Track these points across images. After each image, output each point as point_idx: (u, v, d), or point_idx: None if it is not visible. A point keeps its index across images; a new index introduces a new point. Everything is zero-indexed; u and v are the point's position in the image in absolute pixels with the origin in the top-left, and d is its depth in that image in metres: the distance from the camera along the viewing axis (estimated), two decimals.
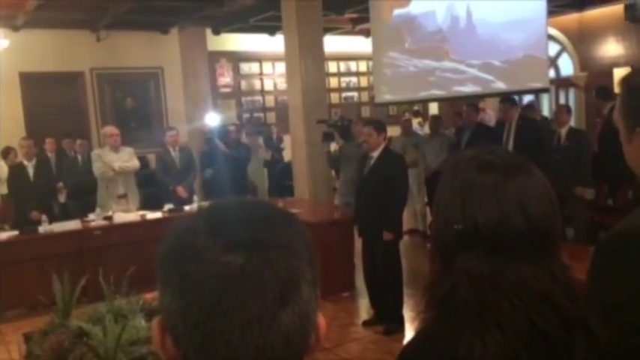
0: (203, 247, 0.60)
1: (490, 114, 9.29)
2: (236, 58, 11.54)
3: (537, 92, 7.92)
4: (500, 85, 6.33)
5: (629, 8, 9.06)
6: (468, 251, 0.91)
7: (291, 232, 0.64)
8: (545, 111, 10.53)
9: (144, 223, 5.90)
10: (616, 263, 1.11)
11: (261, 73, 11.83)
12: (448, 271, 0.94)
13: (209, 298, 0.58)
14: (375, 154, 4.63)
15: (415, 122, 11.57)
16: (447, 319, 0.92)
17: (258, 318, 0.59)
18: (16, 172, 6.32)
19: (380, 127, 4.66)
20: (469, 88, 6.61)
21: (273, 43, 10.67)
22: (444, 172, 1.02)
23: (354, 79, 12.71)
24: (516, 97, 7.08)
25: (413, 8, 7.24)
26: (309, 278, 0.63)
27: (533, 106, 8.20)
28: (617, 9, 9.41)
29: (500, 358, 0.86)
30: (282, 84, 10.64)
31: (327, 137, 6.93)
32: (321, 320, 0.67)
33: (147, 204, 6.60)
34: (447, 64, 6.76)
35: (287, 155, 9.77)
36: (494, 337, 0.86)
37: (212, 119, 9.63)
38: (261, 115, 11.83)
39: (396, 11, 7.45)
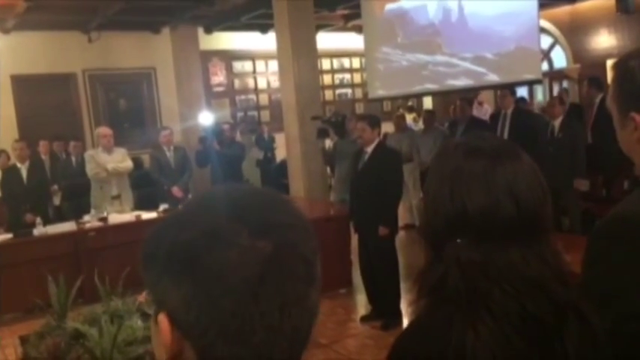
0: (231, 233, 0.59)
1: (487, 108, 9.31)
2: (229, 57, 11.51)
3: (530, 84, 7.94)
4: (493, 78, 6.34)
5: (621, 0, 9.06)
6: (458, 238, 0.90)
7: (299, 213, 0.66)
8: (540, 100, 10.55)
9: (139, 223, 5.87)
10: (611, 248, 1.11)
11: (254, 72, 11.81)
12: (438, 260, 0.93)
13: (248, 284, 0.58)
14: (370, 149, 4.63)
15: (410, 118, 11.58)
16: (438, 308, 0.91)
17: (294, 299, 0.60)
18: (10, 174, 6.29)
19: (374, 122, 4.65)
20: (462, 82, 6.62)
21: (266, 41, 10.64)
22: (433, 160, 1.02)
23: (347, 76, 12.70)
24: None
25: (405, 2, 7.24)
26: (319, 258, 0.65)
27: (524, 100, 8.22)
28: (609, 1, 9.41)
29: (492, 345, 0.85)
30: (275, 82, 10.62)
31: (322, 134, 6.92)
32: None
33: (142, 204, 6.58)
34: (439, 57, 6.76)
35: (280, 154, 9.75)
36: (486, 324, 0.86)
37: (206, 118, 9.61)
38: (255, 113, 11.81)
39: (388, 6, 7.45)
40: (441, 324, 0.89)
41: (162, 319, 0.61)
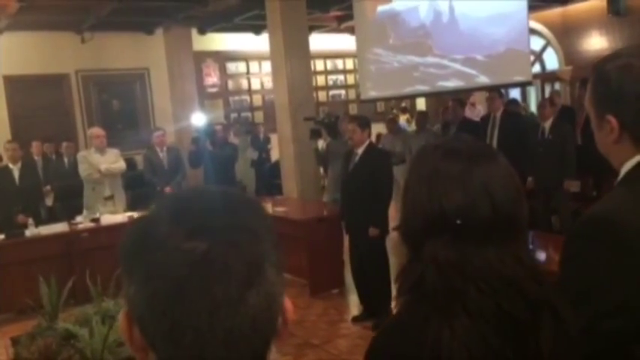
0: (166, 235, 0.61)
1: (479, 109, 9.34)
2: (222, 58, 11.52)
3: (520, 85, 7.97)
4: (484, 80, 6.37)
5: (612, 1, 9.13)
6: (435, 238, 0.92)
7: (253, 216, 0.66)
8: (533, 106, 10.58)
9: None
10: (587, 248, 1.13)
11: (247, 73, 11.82)
12: (417, 259, 0.95)
13: (175, 285, 0.59)
14: (360, 150, 4.65)
15: (403, 119, 11.61)
16: (416, 306, 0.93)
17: (225, 301, 0.59)
18: (1, 175, 6.27)
19: (364, 123, 4.67)
20: (453, 83, 6.65)
21: (259, 42, 10.66)
22: (412, 161, 1.04)
23: (341, 77, 12.73)
24: (503, 92, 7.12)
25: (397, 4, 7.27)
26: (274, 261, 0.64)
27: (516, 102, 8.26)
28: (601, 2, 9.48)
29: (468, 343, 0.87)
30: (268, 83, 10.63)
31: (315, 134, 6.94)
32: (288, 304, 0.68)
33: (135, 205, 6.57)
34: (430, 59, 6.79)
35: (274, 155, 9.77)
36: (461, 322, 0.87)
37: (199, 119, 9.61)
38: (249, 114, 11.82)
39: (380, 7, 7.48)
40: (418, 322, 0.90)
41: (122, 315, 0.65)
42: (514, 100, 8.35)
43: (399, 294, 0.97)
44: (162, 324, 0.60)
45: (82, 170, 6.33)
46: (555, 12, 10.29)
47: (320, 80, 12.17)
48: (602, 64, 1.21)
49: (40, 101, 9.53)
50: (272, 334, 0.65)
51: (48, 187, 7.39)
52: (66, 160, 7.93)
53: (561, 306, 0.92)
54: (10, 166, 6.26)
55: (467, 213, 0.91)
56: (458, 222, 0.91)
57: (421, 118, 7.91)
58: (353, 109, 12.32)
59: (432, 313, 0.89)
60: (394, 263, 4.80)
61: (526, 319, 0.89)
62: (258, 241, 0.63)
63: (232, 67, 11.69)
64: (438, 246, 0.92)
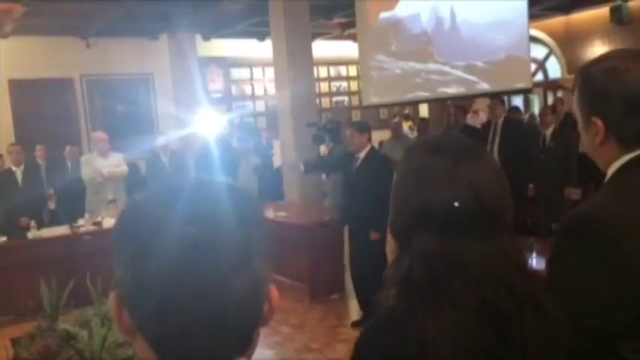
0: (158, 218, 0.63)
1: (482, 117, 9.35)
2: (226, 64, 11.57)
3: (521, 92, 7.97)
4: (484, 86, 6.39)
5: (615, 11, 9.15)
6: (422, 232, 0.94)
7: (241, 205, 0.68)
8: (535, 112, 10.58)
9: None
10: (573, 246, 1.14)
11: (251, 79, 11.86)
12: (405, 253, 0.97)
13: (164, 266, 0.61)
14: (361, 154, 4.67)
15: (405, 126, 11.62)
16: (403, 300, 0.95)
17: (211, 285, 0.62)
18: (5, 177, 6.31)
19: (362, 127, 4.70)
20: (454, 90, 6.66)
21: (263, 49, 10.70)
22: (401, 158, 1.06)
23: (344, 84, 12.77)
24: (505, 99, 7.13)
25: (399, 11, 7.29)
26: (261, 249, 0.66)
27: (518, 109, 8.27)
28: (603, 12, 9.51)
29: (453, 335, 0.88)
30: (272, 89, 10.66)
31: (318, 139, 6.96)
32: (274, 291, 0.70)
33: None
34: (432, 65, 6.80)
35: (277, 161, 9.79)
36: (446, 314, 0.89)
37: (205, 124, 9.67)
38: (252, 120, 11.85)
39: (383, 14, 7.51)
40: (405, 315, 0.92)
41: (112, 296, 0.67)
42: (516, 108, 8.37)
43: (388, 287, 0.98)
44: (150, 304, 0.62)
45: (85, 174, 6.36)
46: (558, 21, 10.32)
47: (323, 87, 12.21)
48: (587, 67, 1.23)
49: (44, 105, 9.58)
50: (257, 319, 0.67)
51: (50, 191, 7.42)
52: (69, 163, 7.96)
53: (546, 300, 0.94)
54: (14, 168, 6.30)
55: (453, 207, 0.93)
56: (444, 217, 0.93)
57: (422, 124, 7.94)
58: (356, 116, 12.34)
59: (418, 304, 0.91)
60: None
61: (510, 312, 0.91)
62: (245, 228, 0.65)
63: (236, 73, 11.74)
64: (425, 239, 0.94)
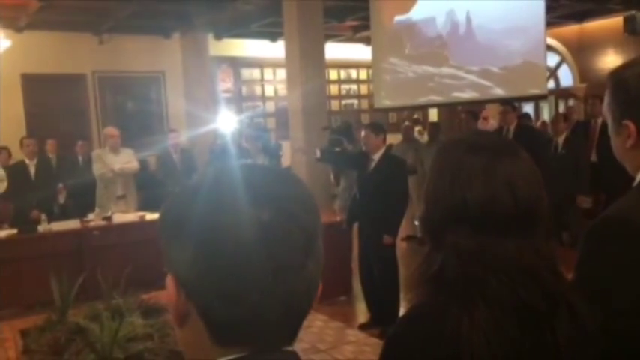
0: (232, 200, 0.64)
1: (492, 124, 9.33)
2: (237, 64, 11.59)
3: (535, 99, 7.95)
4: (499, 91, 6.37)
5: (628, 21, 9.14)
6: (456, 229, 0.94)
7: (304, 190, 0.69)
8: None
9: (142, 224, 5.91)
10: (601, 248, 1.14)
11: (262, 79, 11.88)
12: (438, 250, 0.96)
13: (241, 247, 0.62)
14: (376, 157, 4.65)
15: (415, 130, 11.62)
16: (436, 296, 0.95)
17: (289, 266, 0.64)
18: (18, 170, 6.34)
19: (377, 128, 4.68)
20: (468, 94, 6.65)
21: (275, 49, 10.72)
22: (435, 154, 1.06)
23: (354, 87, 12.77)
24: (516, 106, 7.10)
25: (414, 14, 7.29)
26: (321, 232, 0.69)
27: (528, 116, 8.26)
28: (617, 21, 9.49)
29: (486, 332, 0.88)
30: (282, 90, 10.68)
31: (336, 143, 6.93)
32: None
33: (146, 206, 6.61)
34: (446, 69, 6.80)
35: (285, 162, 9.80)
36: (480, 311, 0.89)
37: (220, 122, 9.72)
38: (262, 120, 11.86)
39: (397, 17, 7.51)
40: (438, 311, 0.92)
41: (170, 279, 0.67)
42: (526, 115, 8.35)
43: (419, 283, 0.98)
44: (225, 285, 0.62)
45: (97, 169, 6.39)
46: (571, 29, 10.30)
47: (333, 89, 12.22)
48: (620, 71, 1.23)
49: (56, 100, 9.63)
50: (315, 299, 0.69)
51: (61, 185, 7.45)
52: (80, 158, 7.99)
53: (576, 300, 0.94)
54: (27, 161, 6.33)
55: (489, 205, 0.93)
56: (479, 214, 0.93)
57: (433, 129, 7.92)
58: (365, 119, 12.35)
59: (452, 302, 0.91)
60: (403, 273, 4.79)
61: (543, 310, 0.91)
62: (311, 212, 0.67)
63: (246, 73, 11.75)
64: (459, 236, 0.94)
